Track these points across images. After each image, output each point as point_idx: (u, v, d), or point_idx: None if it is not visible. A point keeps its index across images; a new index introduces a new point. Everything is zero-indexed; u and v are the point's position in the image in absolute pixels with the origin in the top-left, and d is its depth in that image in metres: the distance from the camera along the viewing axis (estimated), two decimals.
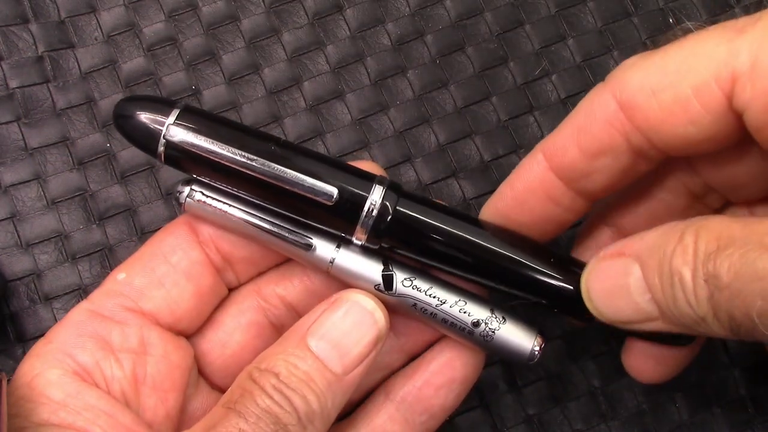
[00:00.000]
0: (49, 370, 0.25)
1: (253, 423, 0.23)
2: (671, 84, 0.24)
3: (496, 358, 0.32)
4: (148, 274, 0.27)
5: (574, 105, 0.34)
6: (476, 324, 0.27)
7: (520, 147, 0.34)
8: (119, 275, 0.27)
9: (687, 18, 0.35)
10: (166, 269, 0.27)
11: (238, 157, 0.25)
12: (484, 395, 0.32)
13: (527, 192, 0.27)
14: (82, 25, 0.34)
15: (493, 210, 0.28)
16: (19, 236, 0.32)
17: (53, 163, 0.32)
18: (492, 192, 0.33)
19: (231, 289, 0.29)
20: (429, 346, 0.29)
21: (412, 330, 0.29)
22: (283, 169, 0.25)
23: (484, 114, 0.34)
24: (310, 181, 0.25)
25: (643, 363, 0.30)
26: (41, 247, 0.32)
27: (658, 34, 0.35)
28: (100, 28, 0.34)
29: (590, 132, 0.26)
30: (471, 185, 0.34)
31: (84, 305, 0.27)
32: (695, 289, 0.22)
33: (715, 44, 0.23)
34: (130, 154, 0.33)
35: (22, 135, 0.32)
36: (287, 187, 0.25)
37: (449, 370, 0.28)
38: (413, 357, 0.29)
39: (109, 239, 0.32)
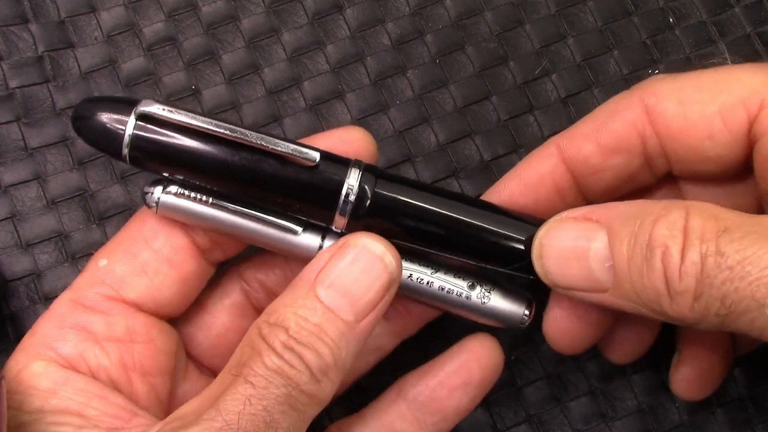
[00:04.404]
0: (33, 362, 0.25)
1: (262, 388, 0.22)
2: (700, 100, 0.25)
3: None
4: (130, 260, 0.27)
5: (574, 104, 0.34)
6: (472, 287, 0.27)
7: (520, 146, 0.34)
8: (101, 261, 0.27)
9: (687, 17, 0.35)
10: (148, 256, 0.27)
11: (214, 128, 0.24)
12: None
13: (536, 181, 0.28)
14: (82, 25, 0.34)
15: (495, 197, 0.29)
16: (19, 236, 0.32)
17: (53, 163, 0.32)
18: None
19: (220, 264, 0.29)
20: (420, 328, 0.29)
21: (401, 313, 0.29)
22: (261, 135, 0.25)
23: (484, 113, 0.34)
24: (291, 144, 0.25)
25: (617, 344, 0.30)
26: (41, 247, 0.32)
27: (658, 33, 0.35)
28: (100, 28, 0.34)
29: (612, 129, 0.27)
30: (471, 185, 0.34)
31: (66, 295, 0.27)
32: (683, 264, 0.22)
33: (750, 74, 0.25)
34: None
35: (22, 135, 0.32)
36: (270, 148, 0.24)
37: (465, 372, 0.28)
38: (404, 339, 0.29)
39: (109, 239, 0.32)
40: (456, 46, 0.35)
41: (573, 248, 0.25)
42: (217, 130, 0.24)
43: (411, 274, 0.27)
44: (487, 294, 0.27)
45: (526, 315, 0.27)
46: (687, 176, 0.28)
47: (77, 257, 0.32)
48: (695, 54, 0.35)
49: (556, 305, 0.28)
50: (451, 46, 0.35)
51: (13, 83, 0.33)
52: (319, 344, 0.23)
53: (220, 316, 0.29)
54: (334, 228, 0.26)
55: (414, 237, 0.26)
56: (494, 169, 0.34)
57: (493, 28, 0.35)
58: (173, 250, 0.27)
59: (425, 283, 0.27)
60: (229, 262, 0.29)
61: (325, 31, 0.34)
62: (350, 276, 0.25)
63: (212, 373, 0.29)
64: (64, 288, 0.31)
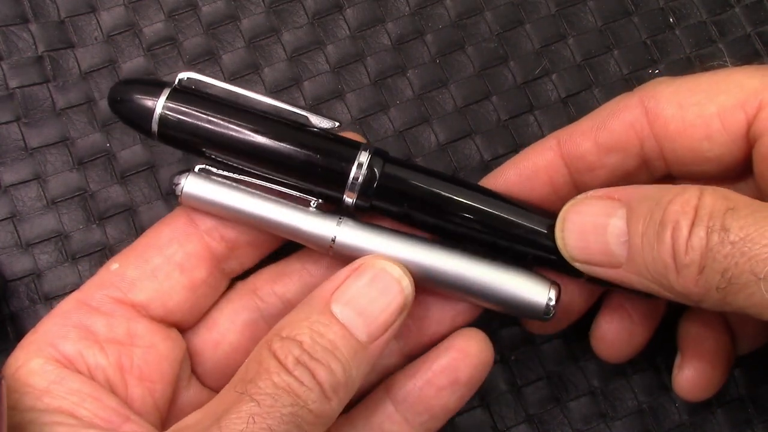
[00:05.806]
0: (31, 360, 0.25)
1: (268, 406, 0.22)
2: (699, 102, 0.26)
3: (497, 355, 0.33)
4: (141, 265, 0.27)
5: (574, 104, 0.34)
6: (494, 258, 0.27)
7: (520, 146, 0.34)
8: (113, 266, 0.28)
9: (687, 17, 0.35)
10: (159, 261, 0.27)
11: (238, 90, 0.27)
12: (484, 395, 0.32)
13: (533, 172, 0.29)
14: (82, 24, 0.34)
15: (491, 184, 0.29)
16: (19, 236, 0.32)
17: (53, 163, 0.32)
18: None
19: (235, 279, 0.29)
20: (429, 348, 0.29)
21: (412, 332, 0.29)
22: (280, 102, 0.27)
23: (484, 113, 0.34)
24: (309, 113, 0.27)
25: (610, 343, 0.30)
26: (41, 247, 0.32)
27: (658, 33, 0.35)
28: (100, 27, 0.34)
29: (610, 128, 0.27)
30: None
31: (74, 295, 0.27)
32: (691, 238, 0.23)
33: (748, 76, 0.26)
34: (130, 154, 0.33)
35: (22, 135, 0.32)
36: (290, 108, 0.27)
37: (453, 371, 0.27)
38: (413, 359, 0.29)
39: (109, 239, 0.32)
40: (456, 46, 0.35)
41: (593, 223, 0.25)
42: (241, 91, 0.27)
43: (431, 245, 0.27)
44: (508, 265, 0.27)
45: (551, 301, 0.27)
46: (686, 177, 0.28)
47: (77, 257, 0.32)
48: (695, 54, 0.35)
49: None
50: (451, 46, 0.35)
51: (13, 83, 0.33)
52: (332, 361, 0.24)
53: (228, 335, 0.28)
54: (345, 198, 0.27)
55: (425, 210, 0.27)
56: (494, 169, 0.34)
57: (493, 28, 0.35)
58: (186, 257, 0.28)
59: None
60: (243, 278, 0.30)
61: (325, 31, 0.34)
62: (367, 296, 0.25)
63: (214, 391, 0.29)
64: (64, 288, 0.31)
